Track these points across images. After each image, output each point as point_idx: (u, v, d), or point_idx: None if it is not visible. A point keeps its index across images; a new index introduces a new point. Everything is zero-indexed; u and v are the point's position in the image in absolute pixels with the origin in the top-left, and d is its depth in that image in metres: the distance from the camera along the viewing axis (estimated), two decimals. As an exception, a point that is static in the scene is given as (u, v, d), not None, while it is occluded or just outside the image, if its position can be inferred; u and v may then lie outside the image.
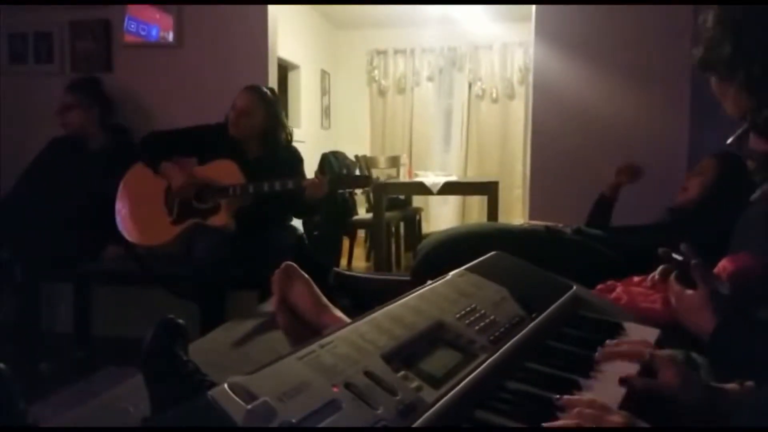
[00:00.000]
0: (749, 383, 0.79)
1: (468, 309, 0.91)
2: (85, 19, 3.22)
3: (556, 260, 1.82)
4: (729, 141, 0.72)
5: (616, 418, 0.64)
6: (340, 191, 2.58)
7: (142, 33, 3.18)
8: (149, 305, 2.73)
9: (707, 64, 0.74)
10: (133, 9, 3.16)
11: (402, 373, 0.69)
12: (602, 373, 0.82)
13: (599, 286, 1.44)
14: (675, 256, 1.09)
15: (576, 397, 0.71)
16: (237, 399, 0.57)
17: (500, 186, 3.58)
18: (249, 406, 0.55)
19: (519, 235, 2.04)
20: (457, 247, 1.92)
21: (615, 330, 1.02)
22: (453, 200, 6.31)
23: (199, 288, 2.39)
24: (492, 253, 1.22)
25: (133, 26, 3.18)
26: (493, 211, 3.41)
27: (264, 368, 0.63)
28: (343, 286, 2.04)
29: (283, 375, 0.63)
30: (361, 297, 2.01)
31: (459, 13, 5.65)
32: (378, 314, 0.82)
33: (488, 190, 3.50)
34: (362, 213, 4.87)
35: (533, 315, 0.97)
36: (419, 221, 5.51)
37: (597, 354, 0.80)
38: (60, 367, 2.62)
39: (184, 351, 1.03)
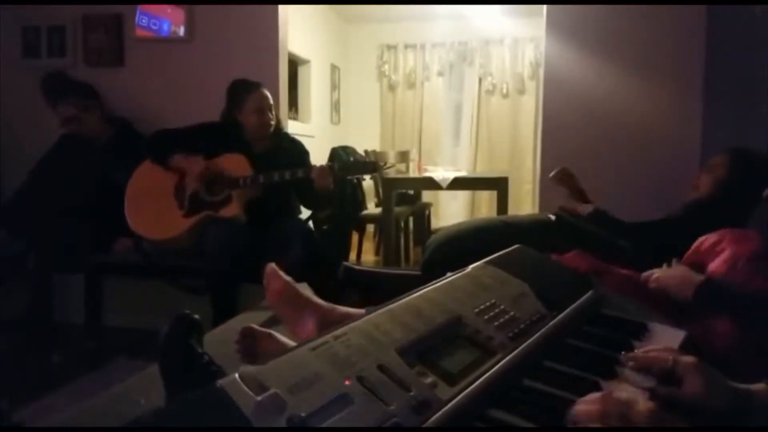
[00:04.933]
0: None
1: (488, 304, 0.88)
2: (98, 13, 3.24)
3: (564, 251, 1.82)
4: None
5: (644, 406, 0.62)
6: (348, 177, 2.58)
7: (154, 27, 3.19)
8: (160, 296, 2.76)
9: None
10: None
11: (417, 368, 0.67)
12: (624, 375, 0.79)
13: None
14: None
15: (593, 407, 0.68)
16: (247, 390, 0.55)
17: (510, 181, 3.56)
18: (259, 398, 0.54)
19: (526, 228, 2.03)
20: (464, 242, 1.92)
21: (639, 330, 0.99)
22: (462, 195, 6.29)
23: (211, 280, 2.40)
24: (515, 246, 1.19)
25: (144, 21, 3.19)
26: (502, 206, 3.40)
27: (276, 359, 0.62)
28: (352, 281, 2.04)
29: (295, 366, 0.61)
30: (370, 292, 2.01)
31: (469, 8, 5.61)
32: (395, 306, 0.80)
33: (498, 185, 3.48)
34: (371, 207, 4.87)
35: (554, 312, 0.94)
36: (428, 216, 5.50)
37: (626, 361, 0.77)
38: (72, 358, 2.65)
39: (198, 344, 1.04)
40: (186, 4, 3.14)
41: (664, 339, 0.97)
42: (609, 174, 3.02)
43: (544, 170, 3.17)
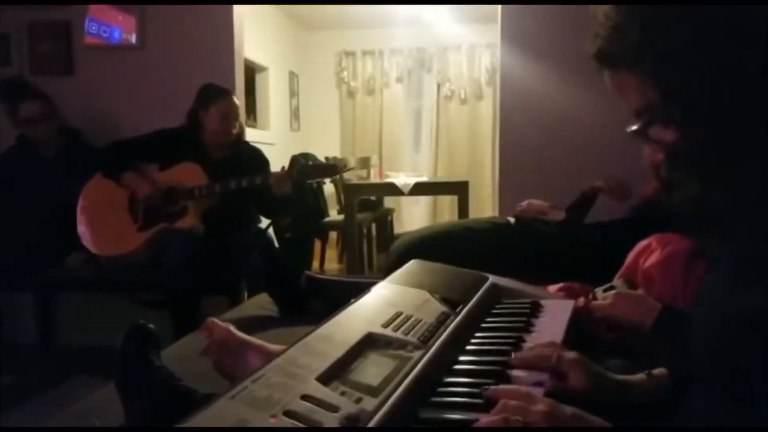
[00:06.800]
0: (659, 370, 0.84)
1: (393, 315, 0.93)
2: (45, 20, 3.13)
3: (523, 253, 1.85)
4: (631, 129, 0.70)
5: (540, 407, 0.65)
6: (309, 182, 2.56)
7: (104, 35, 3.10)
8: (117, 312, 2.66)
9: (606, 56, 0.74)
10: (94, 10, 3.08)
11: (340, 389, 0.69)
12: (531, 348, 0.87)
13: (559, 285, 1.44)
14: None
15: (501, 387, 0.73)
16: None
17: (470, 186, 3.61)
18: None
19: (486, 231, 2.06)
20: (428, 247, 1.93)
21: (535, 308, 1.11)
22: (424, 200, 6.33)
23: (171, 293, 2.34)
24: (410, 262, 1.29)
25: (94, 28, 3.10)
26: (463, 210, 3.44)
27: (196, 416, 0.61)
28: (316, 290, 2.02)
29: (217, 418, 0.61)
30: (334, 300, 1.98)
31: (427, 14, 5.67)
32: (308, 338, 0.82)
33: (459, 190, 3.53)
34: (334, 215, 4.85)
35: (457, 310, 1.02)
36: (391, 222, 5.51)
37: (514, 361, 0.83)
38: (25, 379, 2.54)
39: (156, 357, 1.01)
40: (135, 3, 3.06)
41: (558, 311, 1.10)
42: (566, 177, 3.07)
43: (503, 174, 3.21)
